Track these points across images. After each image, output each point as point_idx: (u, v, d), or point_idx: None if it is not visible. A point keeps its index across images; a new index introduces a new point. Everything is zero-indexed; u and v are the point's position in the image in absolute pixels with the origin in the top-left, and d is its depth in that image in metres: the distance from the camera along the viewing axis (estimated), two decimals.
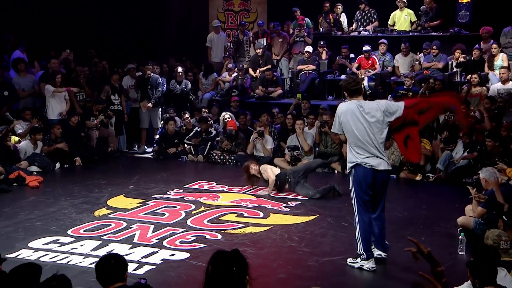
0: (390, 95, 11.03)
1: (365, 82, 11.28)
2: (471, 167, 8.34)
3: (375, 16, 12.61)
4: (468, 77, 10.39)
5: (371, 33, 12.37)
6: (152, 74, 11.45)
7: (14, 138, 9.47)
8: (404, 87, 10.70)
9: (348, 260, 5.51)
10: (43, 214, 7.13)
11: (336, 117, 5.30)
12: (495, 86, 10.11)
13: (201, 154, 10.55)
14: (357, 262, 5.39)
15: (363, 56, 11.73)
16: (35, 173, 9.18)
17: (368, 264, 5.35)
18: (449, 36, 11.59)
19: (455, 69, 11.15)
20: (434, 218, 7.04)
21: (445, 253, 5.84)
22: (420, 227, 6.74)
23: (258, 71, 12.35)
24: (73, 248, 5.90)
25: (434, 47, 10.99)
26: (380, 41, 11.85)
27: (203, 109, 11.42)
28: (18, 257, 5.64)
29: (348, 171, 5.40)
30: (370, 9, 12.61)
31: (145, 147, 11.50)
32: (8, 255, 5.46)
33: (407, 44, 11.59)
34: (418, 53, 11.67)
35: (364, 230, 5.29)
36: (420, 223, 6.87)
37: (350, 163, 5.29)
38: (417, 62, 11.58)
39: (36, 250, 5.86)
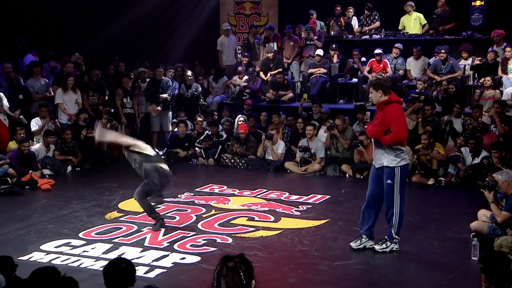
0: (402, 99, 10.95)
1: None
2: (483, 173, 8.26)
3: (376, 17, 12.53)
4: (481, 80, 10.29)
5: (382, 36, 12.29)
6: (163, 77, 11.49)
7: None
8: (417, 90, 10.63)
9: (377, 247, 5.87)
10: (55, 217, 7.16)
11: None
12: (509, 90, 9.99)
13: (211, 158, 10.54)
14: (388, 246, 5.88)
15: (374, 59, 11.67)
16: (47, 176, 9.24)
17: (397, 246, 5.93)
18: (462, 39, 11.46)
19: (467, 72, 11.04)
20: (447, 223, 6.98)
21: (458, 259, 5.80)
22: (432, 231, 6.68)
23: (269, 74, 12.34)
24: (84, 251, 5.92)
25: (443, 51, 10.85)
26: (395, 45, 11.73)
27: (214, 113, 11.43)
28: (30, 259, 5.67)
29: (391, 167, 5.75)
30: (373, 13, 12.56)
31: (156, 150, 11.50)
32: (20, 258, 5.53)
33: (418, 48, 11.49)
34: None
35: (402, 218, 5.86)
36: (432, 228, 6.81)
37: (398, 161, 5.74)
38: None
39: (48, 253, 5.88)
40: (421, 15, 12.07)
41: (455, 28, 11.75)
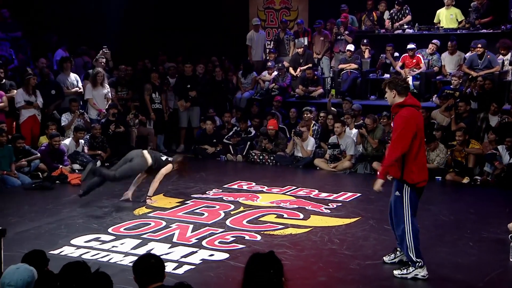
0: (435, 95, 10.70)
1: (410, 81, 10.97)
2: None
3: (407, 11, 12.26)
4: None
5: (416, 30, 12.01)
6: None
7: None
8: (451, 86, 10.35)
9: (397, 272, 5.22)
10: (85, 212, 7.23)
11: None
12: None
13: (240, 154, 10.50)
14: (410, 272, 5.16)
15: (407, 54, 11.41)
16: (77, 171, 9.35)
17: (423, 272, 5.15)
18: (501, 33, 11.06)
19: (506, 67, 10.66)
20: (483, 223, 6.77)
21: (495, 260, 5.62)
22: (467, 232, 6.48)
23: (298, 70, 12.22)
24: (113, 246, 5.94)
25: (479, 46, 10.49)
26: (432, 41, 11.41)
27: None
28: (61, 254, 5.72)
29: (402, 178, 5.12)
30: (404, 7, 12.27)
31: (183, 146, 11.51)
32: (51, 252, 5.57)
33: (454, 42, 11.17)
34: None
35: (416, 237, 5.12)
36: (468, 228, 6.61)
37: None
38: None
39: (78, 247, 5.92)
40: (458, 11, 11.71)
41: (493, 21, 11.36)
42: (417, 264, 5.12)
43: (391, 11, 12.44)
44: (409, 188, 5.08)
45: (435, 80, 11.24)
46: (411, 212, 5.10)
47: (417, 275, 5.13)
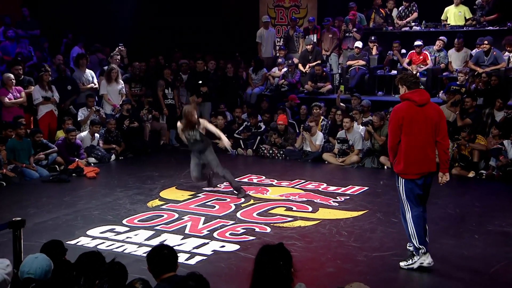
0: (442, 91, 10.80)
1: None
2: None
3: (414, 8, 12.32)
4: None
5: (423, 28, 12.09)
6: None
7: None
8: (457, 82, 10.44)
9: (402, 263, 5.30)
10: (100, 204, 7.42)
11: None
12: None
13: (250, 148, 10.67)
14: (415, 262, 5.23)
15: (414, 51, 11.50)
16: (92, 164, 9.57)
17: (428, 260, 5.20)
18: (506, 30, 11.12)
19: None
20: (488, 216, 6.86)
21: (500, 253, 5.70)
22: (473, 225, 6.59)
23: (307, 66, 12.35)
24: (128, 237, 6.10)
25: (486, 42, 10.55)
26: (439, 38, 11.49)
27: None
28: (77, 244, 5.90)
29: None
30: (411, 3, 12.33)
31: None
32: (68, 242, 5.74)
33: (460, 40, 11.24)
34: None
35: (416, 223, 5.18)
36: (473, 221, 6.72)
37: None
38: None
39: (94, 238, 6.10)
40: (467, 9, 11.76)
41: (499, 18, 11.42)
42: (420, 251, 5.17)
43: (399, 9, 12.53)
44: (402, 178, 5.21)
45: (442, 77, 11.32)
46: (409, 201, 5.18)
47: (422, 263, 5.17)
